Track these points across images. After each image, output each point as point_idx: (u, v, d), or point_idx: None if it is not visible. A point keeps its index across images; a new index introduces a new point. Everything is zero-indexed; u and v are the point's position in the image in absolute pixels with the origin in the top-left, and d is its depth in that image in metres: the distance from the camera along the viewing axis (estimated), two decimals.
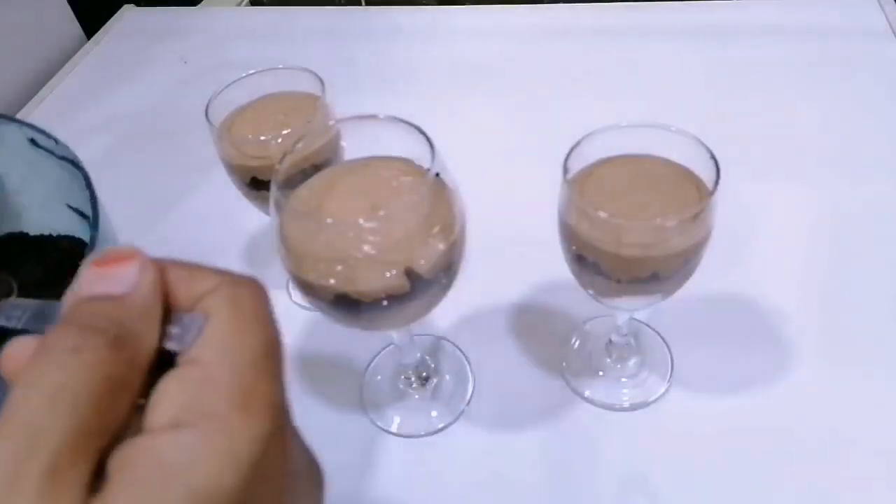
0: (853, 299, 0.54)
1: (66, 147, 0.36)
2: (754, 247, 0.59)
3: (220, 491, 0.17)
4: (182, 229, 0.68)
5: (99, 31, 1.00)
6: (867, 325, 0.52)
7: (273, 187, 0.36)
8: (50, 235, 0.42)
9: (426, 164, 0.37)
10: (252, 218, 0.58)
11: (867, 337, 0.52)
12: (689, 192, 0.39)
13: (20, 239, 0.41)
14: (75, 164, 0.35)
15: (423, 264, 0.36)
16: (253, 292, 0.21)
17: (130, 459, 0.17)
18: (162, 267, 0.21)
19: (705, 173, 0.39)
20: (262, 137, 0.47)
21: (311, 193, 0.39)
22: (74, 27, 0.99)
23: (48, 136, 0.36)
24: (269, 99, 0.52)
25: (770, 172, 0.65)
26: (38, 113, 0.86)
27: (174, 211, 0.69)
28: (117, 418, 0.18)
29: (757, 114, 0.71)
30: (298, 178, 0.40)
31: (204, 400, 0.18)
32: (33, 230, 0.41)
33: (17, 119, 0.37)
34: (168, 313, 0.20)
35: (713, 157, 0.38)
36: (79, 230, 0.35)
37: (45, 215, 0.40)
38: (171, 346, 0.20)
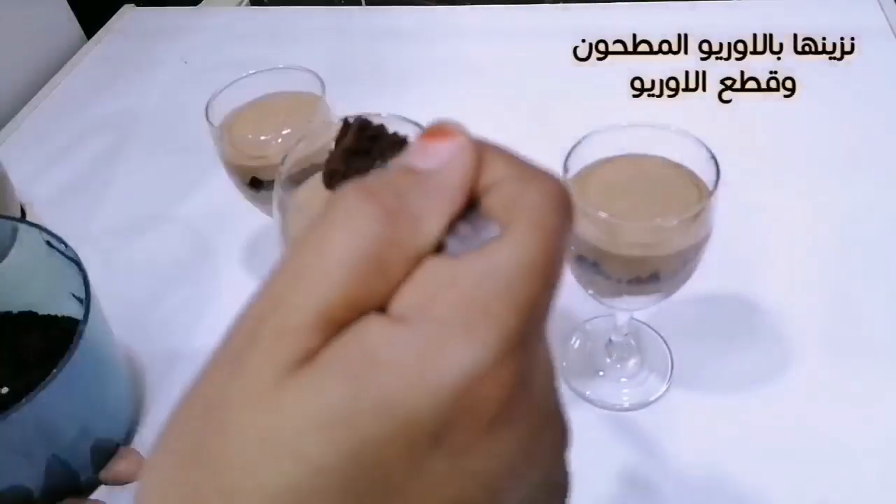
0: (853, 298, 0.54)
1: (72, 250, 0.45)
2: (754, 247, 0.59)
3: (410, 412, 0.15)
4: (182, 229, 0.68)
5: (99, 31, 1.00)
6: (867, 324, 0.52)
7: (276, 187, 0.36)
8: (55, 315, 0.51)
9: None
10: (252, 218, 0.58)
11: (867, 336, 0.52)
12: (689, 192, 0.39)
13: (30, 316, 0.52)
14: (79, 265, 0.45)
15: None
16: (541, 196, 0.17)
17: (343, 342, 0.16)
18: (483, 151, 0.18)
19: (705, 173, 0.39)
20: (263, 137, 0.47)
21: (313, 193, 0.39)
22: (74, 27, 0.99)
23: (60, 240, 0.46)
24: (269, 99, 0.53)
25: (770, 172, 0.65)
26: (38, 113, 0.86)
27: (174, 210, 0.69)
28: (364, 296, 0.16)
29: (756, 114, 0.71)
30: (300, 177, 0.40)
31: (436, 301, 0.16)
32: (42, 310, 0.52)
33: (37, 225, 0.47)
34: (471, 206, 0.18)
35: (713, 157, 0.38)
36: (78, 313, 0.44)
37: (51, 300, 0.51)
38: (453, 245, 0.17)
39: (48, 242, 0.47)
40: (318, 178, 0.40)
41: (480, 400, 0.15)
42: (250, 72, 0.52)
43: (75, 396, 0.43)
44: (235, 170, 0.50)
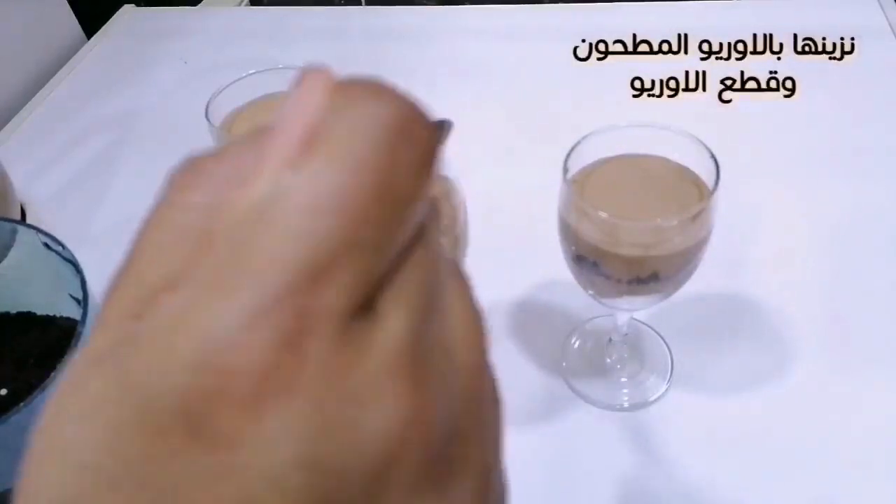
0: (853, 299, 0.54)
1: (70, 252, 0.45)
2: (754, 247, 0.59)
3: (149, 392, 0.13)
4: None
5: (99, 31, 1.00)
6: (867, 325, 0.52)
7: None
8: (53, 316, 0.51)
9: None
10: None
11: (867, 337, 0.52)
12: (689, 192, 0.39)
13: (28, 317, 0.52)
14: (76, 266, 0.45)
15: None
16: (350, 122, 0.14)
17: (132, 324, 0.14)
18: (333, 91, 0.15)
19: (705, 173, 0.39)
20: None
21: None
22: (74, 27, 0.99)
23: (57, 241, 0.46)
24: (269, 99, 0.52)
25: (770, 172, 0.65)
26: (38, 113, 0.86)
27: None
28: (185, 273, 0.14)
29: (756, 114, 0.71)
30: None
31: (203, 262, 0.14)
32: (40, 311, 0.52)
33: (34, 227, 0.47)
34: None
35: (713, 157, 0.38)
36: (77, 314, 0.44)
37: (50, 301, 0.51)
38: None
39: (46, 244, 0.47)
40: None
41: (229, 374, 0.13)
42: (250, 72, 0.52)
43: None
44: None
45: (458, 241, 0.38)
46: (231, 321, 0.13)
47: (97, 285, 0.63)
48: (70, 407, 0.13)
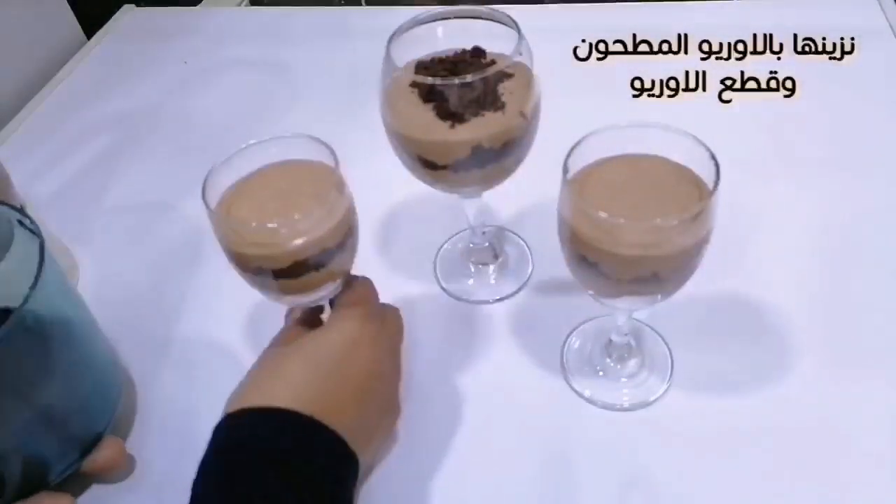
0: (853, 299, 0.54)
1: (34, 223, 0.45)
2: (754, 247, 0.59)
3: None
4: (182, 229, 0.68)
5: (99, 31, 1.00)
6: (867, 324, 0.52)
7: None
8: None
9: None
10: None
11: (867, 337, 0.52)
12: (689, 192, 0.39)
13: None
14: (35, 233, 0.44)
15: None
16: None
17: None
18: None
19: (705, 173, 0.39)
20: (270, 225, 0.41)
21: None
22: (74, 27, 0.99)
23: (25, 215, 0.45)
24: (272, 171, 0.46)
25: (770, 172, 0.65)
26: (38, 113, 0.86)
27: (174, 211, 0.69)
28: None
29: (756, 114, 0.71)
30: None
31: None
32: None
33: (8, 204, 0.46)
34: None
35: (713, 157, 0.38)
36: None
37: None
38: None
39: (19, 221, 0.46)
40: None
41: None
42: (250, 142, 0.46)
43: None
44: (238, 258, 0.44)
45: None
46: None
47: (97, 284, 0.63)
48: None
